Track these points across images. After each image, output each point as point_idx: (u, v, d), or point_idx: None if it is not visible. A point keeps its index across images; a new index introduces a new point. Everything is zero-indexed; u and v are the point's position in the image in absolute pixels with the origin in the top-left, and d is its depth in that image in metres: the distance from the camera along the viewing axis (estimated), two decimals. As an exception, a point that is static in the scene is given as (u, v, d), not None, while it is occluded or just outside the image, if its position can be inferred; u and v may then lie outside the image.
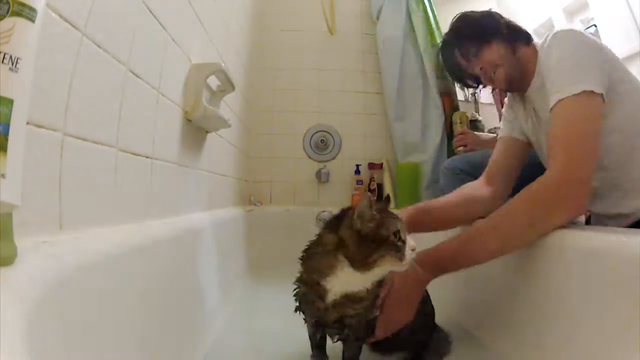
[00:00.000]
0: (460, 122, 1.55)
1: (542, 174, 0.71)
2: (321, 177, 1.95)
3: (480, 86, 0.98)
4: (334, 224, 0.62)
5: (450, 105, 1.88)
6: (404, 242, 0.58)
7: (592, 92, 0.71)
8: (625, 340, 0.49)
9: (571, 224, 0.72)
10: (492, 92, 1.71)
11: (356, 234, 0.58)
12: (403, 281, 0.67)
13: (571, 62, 0.75)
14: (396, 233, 0.58)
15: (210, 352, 0.76)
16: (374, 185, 1.94)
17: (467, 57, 0.93)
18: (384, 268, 0.58)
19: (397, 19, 1.93)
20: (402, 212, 0.86)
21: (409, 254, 0.58)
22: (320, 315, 0.63)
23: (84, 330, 0.39)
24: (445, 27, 2.01)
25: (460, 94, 2.13)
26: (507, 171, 0.97)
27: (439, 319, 0.78)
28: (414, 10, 1.91)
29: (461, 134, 1.50)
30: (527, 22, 2.35)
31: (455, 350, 0.78)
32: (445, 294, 1.04)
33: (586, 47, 0.76)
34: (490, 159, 1.01)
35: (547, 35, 0.83)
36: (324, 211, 1.81)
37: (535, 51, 0.88)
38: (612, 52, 0.81)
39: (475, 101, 2.16)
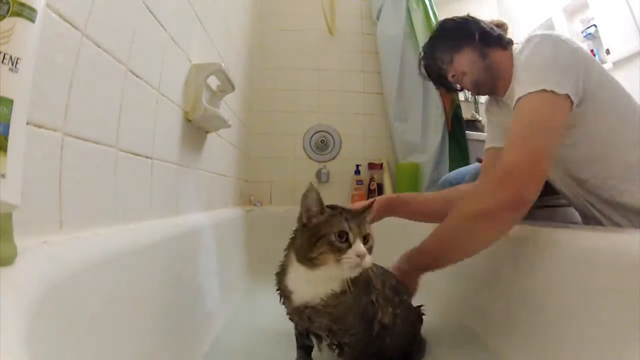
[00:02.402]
0: None
1: None
2: (321, 178, 1.95)
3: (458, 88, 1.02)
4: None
5: (450, 104, 1.88)
6: (350, 245, 0.54)
7: (553, 92, 0.69)
8: (626, 340, 0.49)
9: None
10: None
11: (303, 226, 0.59)
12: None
13: (536, 63, 0.75)
14: (341, 233, 0.54)
15: (210, 352, 0.76)
16: (374, 186, 1.94)
17: (442, 64, 0.96)
18: (326, 269, 0.55)
19: (397, 19, 1.93)
20: (380, 197, 0.92)
21: (352, 259, 0.53)
22: (293, 317, 0.62)
23: (84, 330, 0.39)
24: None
25: (461, 93, 2.13)
26: None
27: (438, 317, 0.78)
28: (414, 10, 1.91)
29: None
30: (527, 22, 2.35)
31: (455, 349, 0.78)
32: (445, 293, 1.04)
33: (555, 49, 0.75)
34: (482, 165, 1.03)
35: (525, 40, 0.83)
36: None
37: (511, 55, 0.88)
38: (591, 58, 0.80)
39: (475, 101, 2.16)
